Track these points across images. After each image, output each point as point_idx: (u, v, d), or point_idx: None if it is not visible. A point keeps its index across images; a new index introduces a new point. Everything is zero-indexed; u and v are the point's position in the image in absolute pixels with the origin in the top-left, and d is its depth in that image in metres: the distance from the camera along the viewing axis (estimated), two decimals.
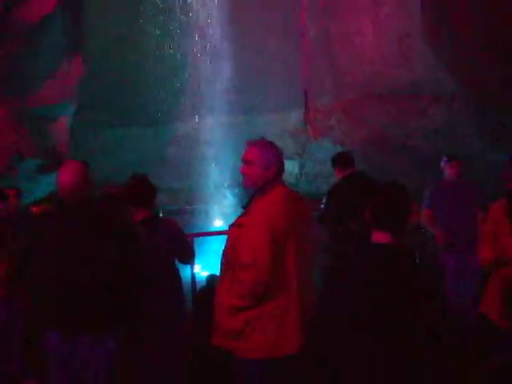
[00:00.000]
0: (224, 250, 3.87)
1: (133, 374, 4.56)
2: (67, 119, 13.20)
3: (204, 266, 9.40)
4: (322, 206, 6.52)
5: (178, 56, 14.45)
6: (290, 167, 13.70)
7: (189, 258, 5.22)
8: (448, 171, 6.70)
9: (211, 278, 7.09)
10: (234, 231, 3.80)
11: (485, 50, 9.71)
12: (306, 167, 13.68)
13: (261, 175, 3.85)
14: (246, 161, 3.89)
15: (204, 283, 7.12)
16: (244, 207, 3.93)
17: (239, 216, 3.91)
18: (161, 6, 14.40)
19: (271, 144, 3.95)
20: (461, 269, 6.49)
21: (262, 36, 14.01)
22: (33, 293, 3.96)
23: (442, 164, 6.76)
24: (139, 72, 14.55)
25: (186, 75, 14.47)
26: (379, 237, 3.05)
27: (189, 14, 14.66)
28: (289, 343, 3.68)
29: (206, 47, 14.71)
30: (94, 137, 14.87)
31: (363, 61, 12.22)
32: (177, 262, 5.01)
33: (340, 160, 6.55)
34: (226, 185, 13.85)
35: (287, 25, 13.94)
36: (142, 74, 14.50)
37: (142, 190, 4.82)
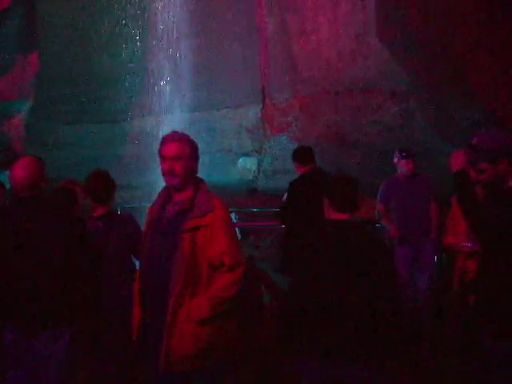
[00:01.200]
0: (172, 261, 3.47)
1: (91, 368, 4.56)
2: (23, 115, 13.05)
3: None
4: (283, 201, 6.51)
5: (136, 52, 14.38)
6: (248, 164, 13.75)
7: None
8: (402, 166, 6.80)
9: None
10: (190, 236, 3.46)
11: (436, 46, 9.91)
12: (264, 164, 13.75)
13: (192, 169, 3.69)
14: (172, 157, 3.62)
15: None
16: (184, 209, 3.59)
17: (183, 220, 3.54)
18: (117, 1, 14.32)
19: (189, 136, 3.79)
20: (414, 260, 6.64)
21: (220, 32, 14.02)
22: None
23: (395, 159, 6.86)
24: (96, 68, 14.47)
25: (144, 71, 14.41)
26: (336, 216, 3.56)
27: (146, 9, 14.59)
28: (236, 337, 3.72)
29: (163, 44, 14.66)
30: (49, 133, 14.69)
31: (320, 57, 12.34)
32: (134, 258, 5.02)
33: (299, 155, 6.48)
34: None
35: (245, 21, 13.99)
36: (100, 70, 14.42)
37: (101, 185, 4.83)
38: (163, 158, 3.65)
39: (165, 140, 3.71)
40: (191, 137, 3.78)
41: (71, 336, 3.79)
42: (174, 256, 3.47)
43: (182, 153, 3.61)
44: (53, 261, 3.64)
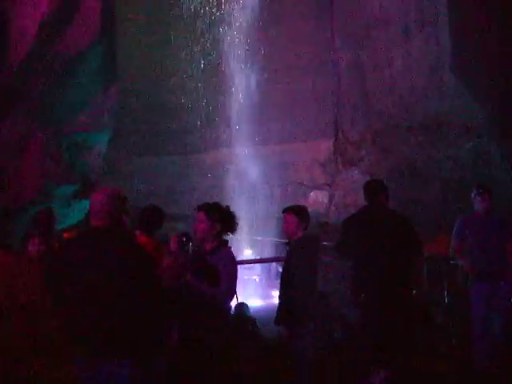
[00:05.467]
0: None
1: None
2: (102, 146, 13.44)
3: None
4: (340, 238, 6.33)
5: (210, 86, 14.65)
6: (320, 197, 13.73)
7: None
8: (478, 203, 6.64)
9: (240, 307, 7.22)
10: None
11: None
12: (336, 197, 13.69)
13: None
14: None
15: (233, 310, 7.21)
16: None
17: None
18: (192, 36, 14.67)
19: None
20: (490, 299, 6.46)
21: (293, 66, 14.17)
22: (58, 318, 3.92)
23: (472, 195, 6.71)
24: (171, 101, 14.79)
25: (218, 105, 14.64)
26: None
27: (220, 43, 14.88)
28: None
29: (237, 77, 14.88)
30: (124, 164, 15.06)
31: (393, 92, 12.29)
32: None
33: (364, 189, 6.31)
34: (257, 214, 13.86)
35: (319, 55, 14.10)
36: (174, 103, 14.73)
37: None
38: None
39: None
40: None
41: (134, 367, 3.67)
42: None
43: None
44: (113, 292, 3.59)
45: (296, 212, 5.73)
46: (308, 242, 5.66)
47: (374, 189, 6.06)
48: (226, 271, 4.79)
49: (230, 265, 4.91)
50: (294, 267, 5.46)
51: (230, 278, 4.86)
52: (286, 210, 5.74)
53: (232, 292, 4.89)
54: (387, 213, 5.94)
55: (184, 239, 4.98)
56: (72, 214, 12.22)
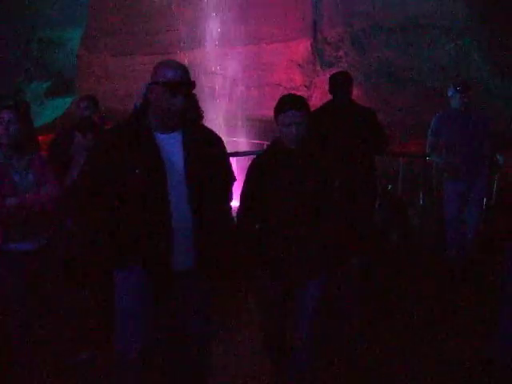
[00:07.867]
0: None
1: None
2: (74, 44, 13.18)
3: None
4: None
5: None
6: None
7: None
8: (458, 100, 6.58)
9: None
10: None
11: None
12: (313, 98, 13.62)
13: None
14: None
15: None
16: None
17: None
18: None
19: None
20: (464, 196, 6.55)
21: None
22: None
23: (449, 93, 6.66)
24: (147, 0, 14.46)
25: (195, 4, 14.33)
26: None
27: None
28: None
29: None
30: (99, 64, 14.81)
31: None
32: None
33: (330, 82, 5.95)
34: (233, 116, 13.81)
35: None
36: (150, 2, 14.39)
37: None
38: None
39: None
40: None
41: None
42: None
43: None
44: None
45: (308, 108, 3.47)
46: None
47: (339, 81, 5.78)
48: None
49: None
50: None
51: None
52: (295, 107, 3.25)
53: None
54: (352, 105, 5.78)
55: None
56: (45, 112, 12.07)
